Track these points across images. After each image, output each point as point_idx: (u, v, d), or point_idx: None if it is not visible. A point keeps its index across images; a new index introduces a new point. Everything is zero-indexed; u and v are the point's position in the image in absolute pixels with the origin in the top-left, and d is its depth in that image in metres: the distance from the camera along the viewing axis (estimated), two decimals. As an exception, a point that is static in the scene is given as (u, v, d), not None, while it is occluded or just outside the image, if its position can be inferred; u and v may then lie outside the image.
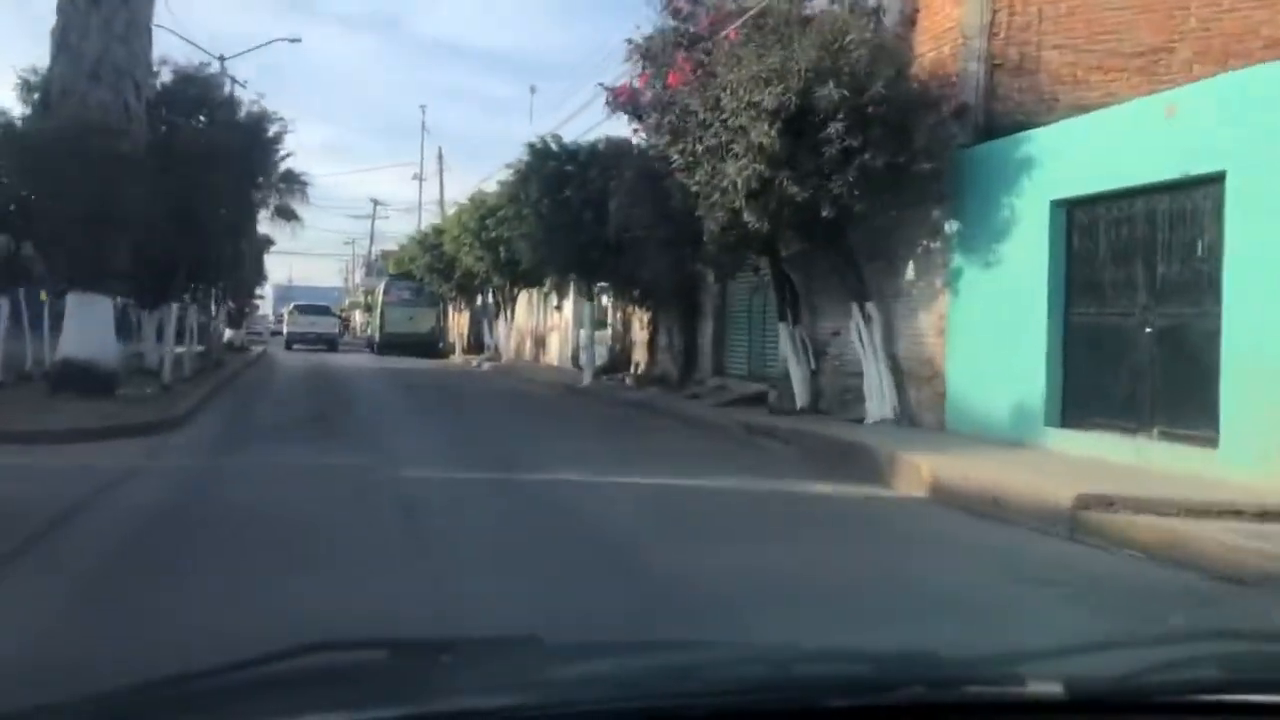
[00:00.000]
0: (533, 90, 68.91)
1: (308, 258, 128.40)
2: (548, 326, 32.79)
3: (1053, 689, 1.38)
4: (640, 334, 22.73)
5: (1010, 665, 1.52)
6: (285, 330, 44.06)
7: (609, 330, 24.83)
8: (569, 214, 19.39)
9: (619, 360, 23.76)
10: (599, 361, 24.85)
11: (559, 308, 31.18)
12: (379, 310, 39.87)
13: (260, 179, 20.52)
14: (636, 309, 22.36)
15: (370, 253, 71.94)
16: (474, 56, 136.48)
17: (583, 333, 22.73)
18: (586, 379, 21.49)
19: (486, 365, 32.08)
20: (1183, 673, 1.51)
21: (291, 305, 46.99)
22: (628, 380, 22.11)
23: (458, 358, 37.14)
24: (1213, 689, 1.46)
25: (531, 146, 20.31)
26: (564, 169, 19.65)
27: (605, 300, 25.56)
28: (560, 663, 1.77)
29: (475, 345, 38.41)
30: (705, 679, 1.53)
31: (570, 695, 1.45)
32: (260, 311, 69.17)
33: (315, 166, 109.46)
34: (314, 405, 15.80)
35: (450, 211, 40.72)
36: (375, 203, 70.76)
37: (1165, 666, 1.52)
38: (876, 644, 1.80)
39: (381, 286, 42.14)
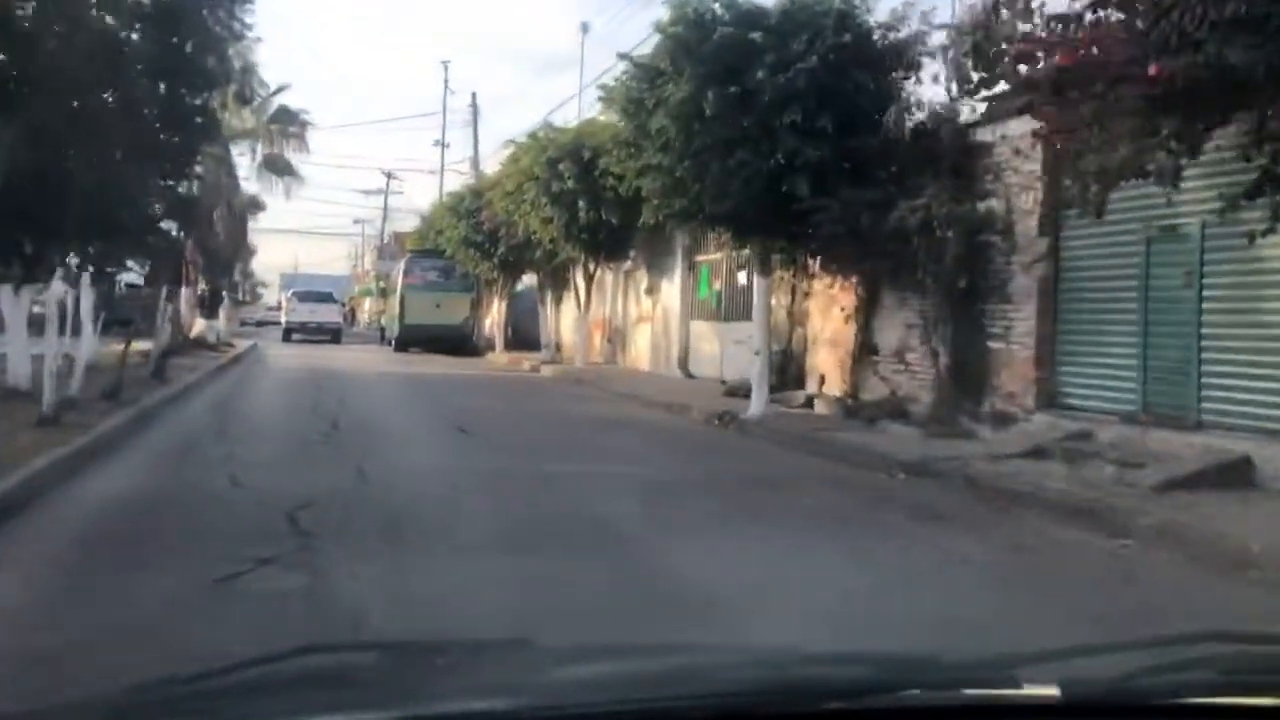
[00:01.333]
0: (585, 29, 58.50)
1: (316, 240, 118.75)
2: (632, 317, 24.18)
3: (1049, 692, 1.35)
4: (834, 329, 14.12)
5: (1007, 669, 1.47)
6: (283, 319, 37.58)
7: (757, 322, 15.91)
8: (756, 119, 10.89)
9: (786, 372, 15.15)
10: (735, 373, 16.30)
11: (651, 290, 22.62)
12: (398, 295, 30.91)
13: (215, 68, 12.13)
14: (838, 285, 13.74)
15: (382, 233, 63.07)
16: (482, 45, 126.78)
17: (754, 328, 13.77)
18: (757, 406, 12.94)
19: (545, 369, 23.51)
20: (1178, 676, 1.48)
21: (290, 292, 41.37)
22: (818, 406, 13.59)
23: (499, 356, 28.37)
24: (1208, 692, 1.44)
25: (679, 6, 11.67)
26: (746, 39, 11.08)
27: (740, 275, 17.00)
28: (555, 665, 1.69)
29: (518, 340, 29.76)
30: (701, 682, 1.49)
31: (565, 698, 1.40)
32: (265, 299, 61.18)
33: (323, 156, 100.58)
34: (297, 494, 7.10)
35: (487, 173, 32.19)
36: (389, 175, 61.82)
37: (1161, 669, 1.48)
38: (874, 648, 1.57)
39: (400, 266, 33.25)
